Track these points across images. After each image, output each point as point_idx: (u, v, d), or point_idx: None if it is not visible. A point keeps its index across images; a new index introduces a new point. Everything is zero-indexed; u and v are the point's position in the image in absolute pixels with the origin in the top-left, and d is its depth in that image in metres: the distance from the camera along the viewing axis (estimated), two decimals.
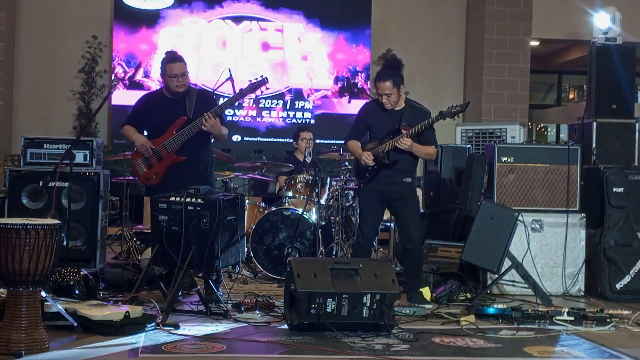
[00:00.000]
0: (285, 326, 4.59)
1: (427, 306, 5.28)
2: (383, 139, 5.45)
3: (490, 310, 5.08)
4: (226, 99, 5.51)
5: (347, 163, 7.24)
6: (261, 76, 5.45)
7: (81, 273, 5.00)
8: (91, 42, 10.63)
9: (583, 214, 6.17)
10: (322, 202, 6.82)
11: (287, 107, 10.99)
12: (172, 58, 5.48)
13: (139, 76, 10.44)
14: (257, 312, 4.91)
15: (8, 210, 5.94)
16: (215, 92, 6.29)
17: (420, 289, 5.52)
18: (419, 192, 8.43)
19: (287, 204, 6.79)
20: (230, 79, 6.10)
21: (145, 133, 5.60)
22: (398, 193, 5.48)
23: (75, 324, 4.27)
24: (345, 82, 11.05)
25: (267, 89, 5.52)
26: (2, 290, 4.41)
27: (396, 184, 5.47)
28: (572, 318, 4.87)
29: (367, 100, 6.31)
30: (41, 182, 5.75)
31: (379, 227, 5.78)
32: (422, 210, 7.30)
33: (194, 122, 5.37)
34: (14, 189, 5.97)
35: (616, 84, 6.72)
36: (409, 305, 5.16)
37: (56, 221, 4.01)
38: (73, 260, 5.57)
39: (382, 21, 11.32)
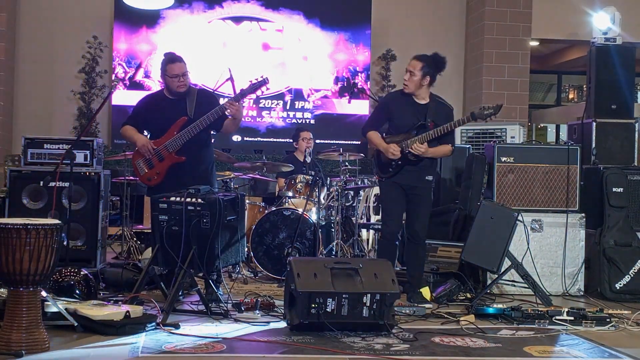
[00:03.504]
0: (286, 325, 4.60)
1: (427, 306, 5.28)
2: (407, 133, 5.41)
3: (490, 310, 5.08)
4: (227, 100, 5.53)
5: (347, 163, 7.24)
6: (261, 76, 5.46)
7: (81, 273, 5.01)
8: (91, 42, 10.64)
9: (583, 214, 6.18)
10: (322, 200, 6.82)
11: (287, 107, 11.00)
12: (172, 58, 5.50)
13: (139, 76, 10.44)
14: (257, 312, 4.92)
15: (8, 210, 5.94)
16: (216, 92, 6.30)
17: (420, 289, 5.52)
18: None
19: (287, 204, 6.80)
20: (231, 79, 6.12)
21: (146, 133, 5.61)
22: (419, 190, 5.46)
23: (76, 324, 4.27)
24: (345, 83, 11.04)
25: (267, 89, 5.53)
26: (2, 290, 4.42)
27: (419, 180, 5.45)
28: (571, 318, 4.87)
29: (391, 91, 6.27)
30: (41, 182, 5.76)
31: (402, 221, 5.64)
32: None
33: (195, 122, 5.38)
34: (15, 189, 5.97)
35: (616, 84, 6.73)
36: (409, 305, 5.16)
37: (56, 221, 4.01)
38: (73, 260, 5.58)
39: (382, 21, 11.32)
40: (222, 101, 5.92)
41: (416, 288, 5.50)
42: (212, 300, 4.98)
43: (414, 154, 5.34)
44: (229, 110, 5.38)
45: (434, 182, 5.57)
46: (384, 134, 5.53)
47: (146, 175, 5.52)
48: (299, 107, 11.02)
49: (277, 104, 10.97)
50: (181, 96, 5.50)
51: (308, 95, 11.05)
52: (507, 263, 5.55)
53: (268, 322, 4.72)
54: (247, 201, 6.64)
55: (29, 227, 3.82)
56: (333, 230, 6.80)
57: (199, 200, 4.93)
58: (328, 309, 4.41)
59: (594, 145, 6.63)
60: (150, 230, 5.47)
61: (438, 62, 5.44)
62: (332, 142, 9.63)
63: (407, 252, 5.66)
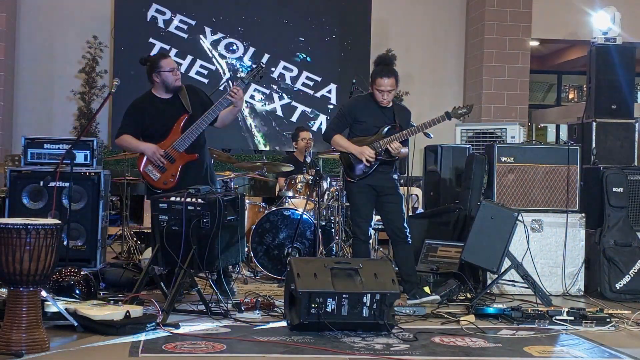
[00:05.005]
0: (286, 325, 4.60)
1: (432, 298, 5.32)
2: (377, 134, 5.48)
3: (490, 310, 5.08)
4: (230, 88, 5.54)
5: None
6: (255, 62, 5.50)
7: (82, 273, 5.00)
8: (91, 42, 10.65)
9: (583, 214, 6.18)
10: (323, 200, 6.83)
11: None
12: (162, 54, 5.54)
13: None
14: (257, 312, 4.92)
15: (9, 210, 5.94)
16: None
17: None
18: (419, 192, 8.46)
19: (287, 204, 6.80)
20: (231, 78, 6.12)
21: (140, 138, 5.54)
22: (388, 189, 5.56)
23: (76, 324, 4.27)
24: None
25: (265, 72, 5.54)
26: (2, 290, 4.42)
27: (387, 179, 5.56)
28: (571, 318, 4.87)
29: (354, 96, 6.34)
30: (42, 182, 5.76)
31: (372, 220, 5.79)
32: (422, 210, 7.31)
33: (202, 116, 5.36)
34: (15, 189, 5.98)
35: (616, 84, 6.73)
36: (409, 305, 5.16)
37: (57, 221, 4.01)
38: (73, 260, 5.58)
39: (382, 21, 11.32)
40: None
41: (415, 285, 5.51)
42: (212, 301, 4.97)
43: (390, 154, 5.44)
44: (234, 97, 5.38)
45: (398, 180, 5.70)
46: (350, 137, 5.62)
47: (161, 179, 5.43)
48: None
49: None
50: (175, 94, 5.48)
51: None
52: (507, 263, 5.54)
53: (268, 322, 4.72)
54: (247, 201, 6.64)
55: (29, 227, 3.82)
56: (333, 230, 6.80)
57: (199, 200, 4.93)
58: (328, 309, 4.41)
59: (594, 145, 6.63)
60: (150, 230, 5.46)
61: (393, 63, 5.57)
62: None
63: (395, 253, 5.68)
